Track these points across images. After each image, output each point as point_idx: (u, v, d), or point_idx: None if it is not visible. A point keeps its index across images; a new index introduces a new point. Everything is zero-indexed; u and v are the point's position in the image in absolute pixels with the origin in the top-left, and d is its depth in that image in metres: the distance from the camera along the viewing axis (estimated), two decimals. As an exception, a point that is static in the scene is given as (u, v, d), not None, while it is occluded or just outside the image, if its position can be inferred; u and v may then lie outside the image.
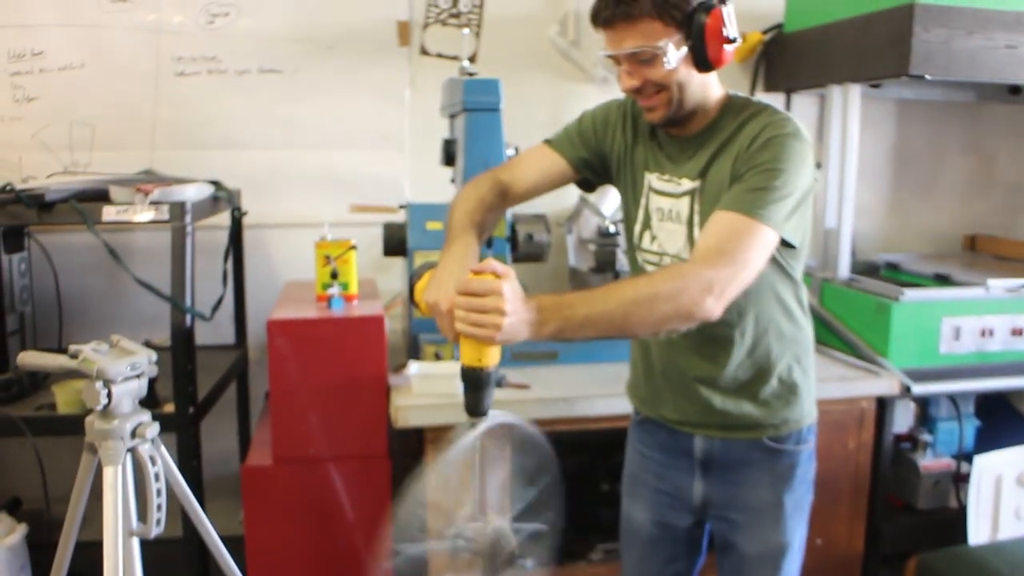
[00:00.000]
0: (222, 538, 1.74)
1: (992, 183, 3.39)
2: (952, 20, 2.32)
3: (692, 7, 1.41)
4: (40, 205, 2.01)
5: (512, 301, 1.25)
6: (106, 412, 1.36)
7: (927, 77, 2.35)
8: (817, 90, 2.95)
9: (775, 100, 3.06)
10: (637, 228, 1.66)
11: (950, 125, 3.30)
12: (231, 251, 2.57)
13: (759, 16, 2.97)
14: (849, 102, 2.61)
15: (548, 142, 1.73)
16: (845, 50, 2.59)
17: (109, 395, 1.32)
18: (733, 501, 1.67)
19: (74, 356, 1.33)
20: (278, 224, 2.82)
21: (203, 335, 2.41)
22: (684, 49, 1.43)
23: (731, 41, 1.44)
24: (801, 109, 3.10)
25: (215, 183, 2.42)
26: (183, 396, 2.05)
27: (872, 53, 2.47)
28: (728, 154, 1.49)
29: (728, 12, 1.43)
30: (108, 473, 1.35)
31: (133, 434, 1.38)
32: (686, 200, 1.56)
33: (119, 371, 1.33)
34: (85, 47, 2.65)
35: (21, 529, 2.19)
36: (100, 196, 2.08)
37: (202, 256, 2.32)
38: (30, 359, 1.39)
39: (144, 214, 2.01)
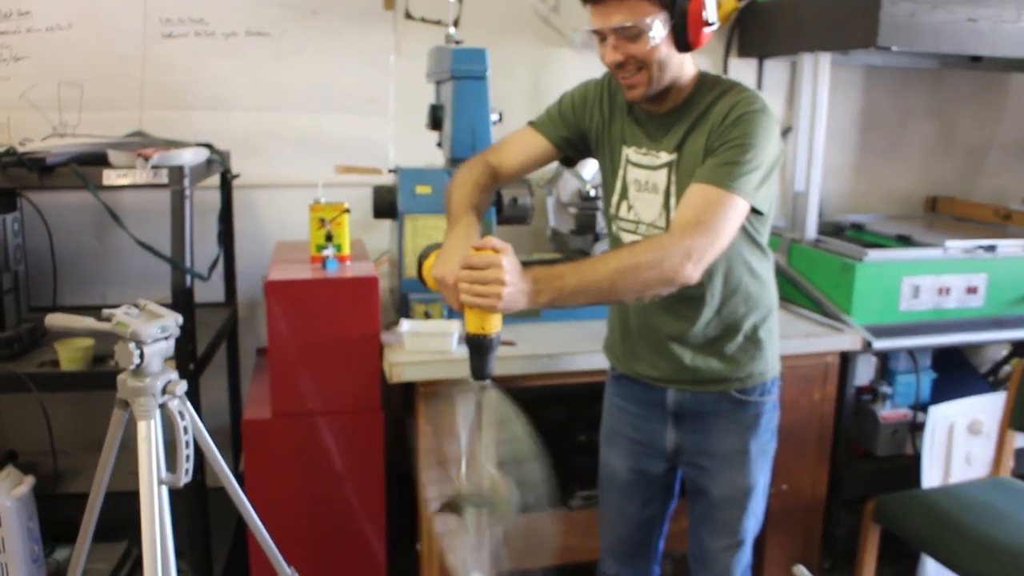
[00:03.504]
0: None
1: (953, 146, 3.50)
2: (917, -5, 2.40)
3: None
4: (41, 168, 2.06)
5: (511, 272, 1.38)
6: (138, 371, 1.46)
7: (894, 48, 2.45)
8: (788, 57, 3.05)
9: (748, 66, 3.15)
10: (614, 199, 1.78)
11: (915, 91, 3.40)
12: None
13: (734, -16, 3.03)
14: (819, 69, 2.69)
15: (532, 124, 1.85)
16: (816, 20, 2.67)
17: (141, 355, 1.43)
18: (703, 448, 1.81)
19: (107, 319, 1.42)
20: (265, 184, 2.86)
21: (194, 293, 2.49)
22: (666, 28, 1.52)
23: (710, 24, 1.54)
24: (773, 74, 3.19)
25: (208, 146, 2.47)
26: (183, 353, 2.12)
27: (842, 24, 2.55)
28: (702, 129, 1.60)
29: None
30: (142, 427, 1.46)
31: (163, 391, 1.49)
32: (663, 172, 1.66)
33: (150, 333, 1.44)
34: (72, 7, 2.66)
35: (29, 480, 2.25)
36: (98, 160, 2.13)
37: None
38: (58, 321, 1.47)
39: (145, 178, 2.07)
